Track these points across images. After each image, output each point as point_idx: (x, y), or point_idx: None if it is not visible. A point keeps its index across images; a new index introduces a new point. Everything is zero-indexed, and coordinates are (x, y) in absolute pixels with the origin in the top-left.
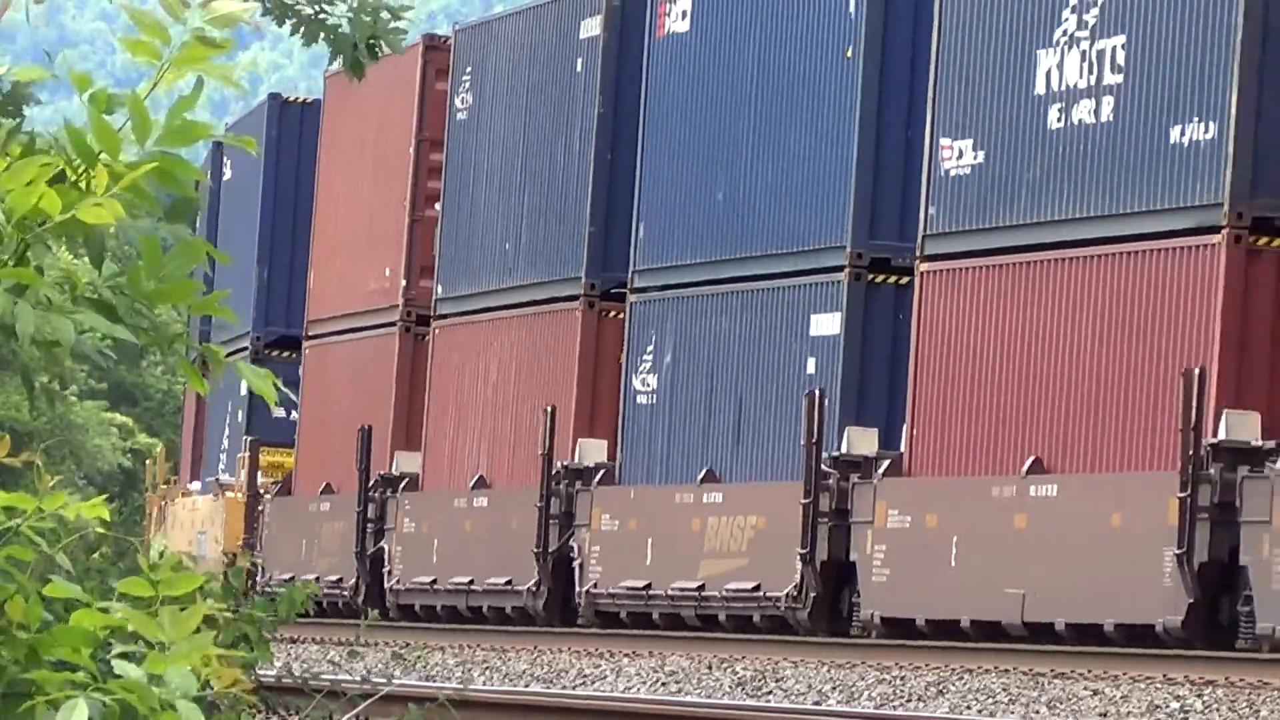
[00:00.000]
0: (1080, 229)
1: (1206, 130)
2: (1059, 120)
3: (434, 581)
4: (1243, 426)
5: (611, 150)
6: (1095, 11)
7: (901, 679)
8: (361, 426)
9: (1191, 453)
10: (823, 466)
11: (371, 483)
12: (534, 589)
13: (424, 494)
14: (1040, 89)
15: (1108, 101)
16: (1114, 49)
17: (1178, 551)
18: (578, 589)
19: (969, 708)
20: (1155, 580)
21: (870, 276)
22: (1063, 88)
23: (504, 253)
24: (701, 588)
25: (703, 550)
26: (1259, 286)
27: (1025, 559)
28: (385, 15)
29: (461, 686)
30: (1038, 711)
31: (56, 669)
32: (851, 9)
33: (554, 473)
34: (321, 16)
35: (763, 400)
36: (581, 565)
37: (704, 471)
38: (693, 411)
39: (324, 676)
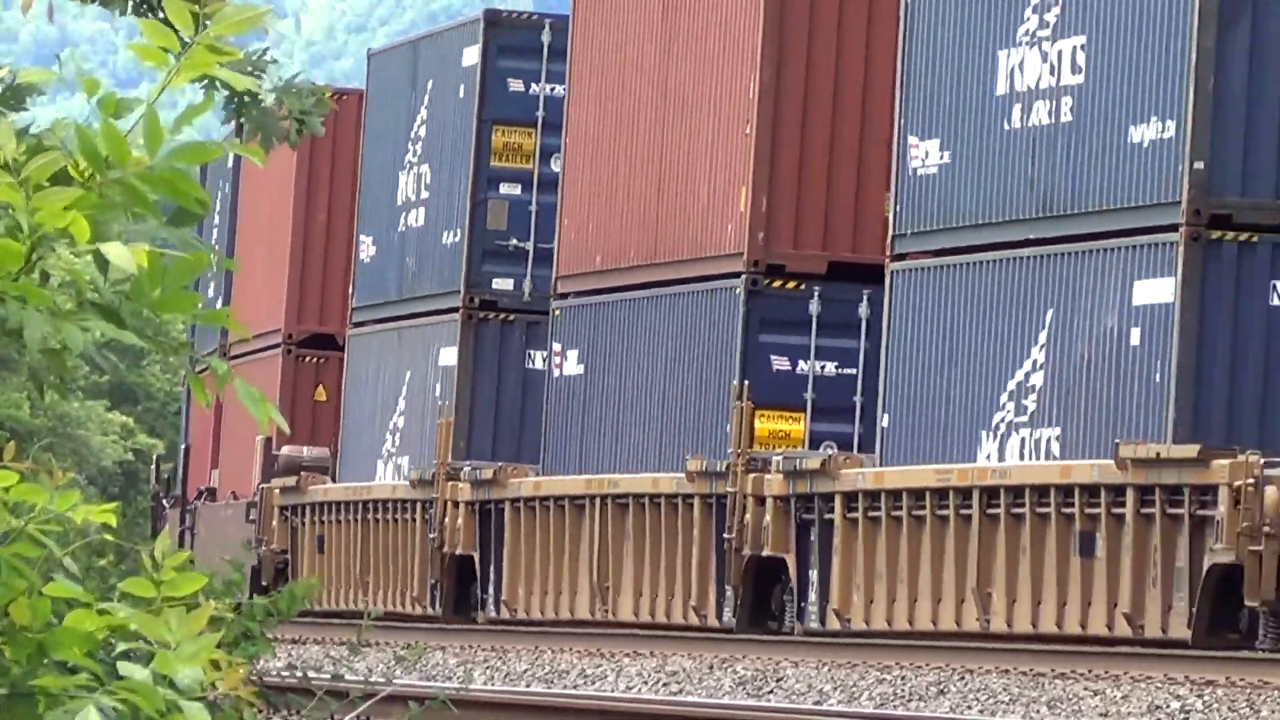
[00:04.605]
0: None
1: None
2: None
3: None
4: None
5: None
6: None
7: (902, 679)
8: None
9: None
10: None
11: None
12: None
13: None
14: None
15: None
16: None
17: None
18: None
19: (969, 708)
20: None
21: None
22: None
23: None
24: None
25: None
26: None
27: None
28: (310, 98)
29: (462, 686)
30: (1038, 711)
31: (60, 670)
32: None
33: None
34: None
35: None
36: None
37: None
38: None
39: (325, 674)
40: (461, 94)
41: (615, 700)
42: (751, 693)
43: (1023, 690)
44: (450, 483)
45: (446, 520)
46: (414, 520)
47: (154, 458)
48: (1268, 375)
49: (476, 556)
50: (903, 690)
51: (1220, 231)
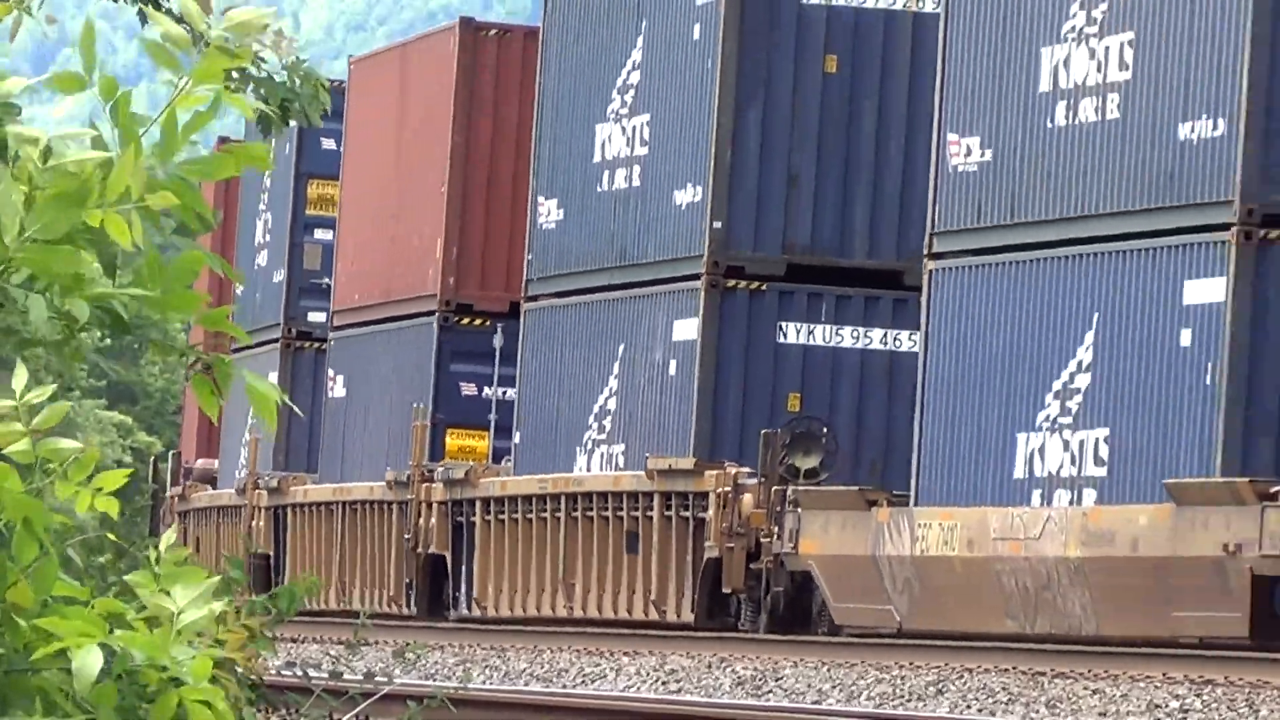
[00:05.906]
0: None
1: None
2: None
3: None
4: None
5: None
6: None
7: (901, 679)
8: None
9: None
10: None
11: None
12: None
13: None
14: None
15: None
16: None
17: None
18: None
19: (969, 707)
20: None
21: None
22: None
23: None
24: None
25: None
26: None
27: None
28: (322, 88)
29: (461, 685)
30: (1038, 711)
31: (57, 657)
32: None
33: None
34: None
35: None
36: None
37: None
38: None
39: (324, 673)
40: (287, 150)
41: (615, 700)
42: (751, 692)
43: (1022, 690)
44: (256, 490)
45: (253, 522)
46: (239, 523)
47: (153, 457)
48: (774, 400)
49: (271, 554)
50: (902, 690)
51: (735, 280)
